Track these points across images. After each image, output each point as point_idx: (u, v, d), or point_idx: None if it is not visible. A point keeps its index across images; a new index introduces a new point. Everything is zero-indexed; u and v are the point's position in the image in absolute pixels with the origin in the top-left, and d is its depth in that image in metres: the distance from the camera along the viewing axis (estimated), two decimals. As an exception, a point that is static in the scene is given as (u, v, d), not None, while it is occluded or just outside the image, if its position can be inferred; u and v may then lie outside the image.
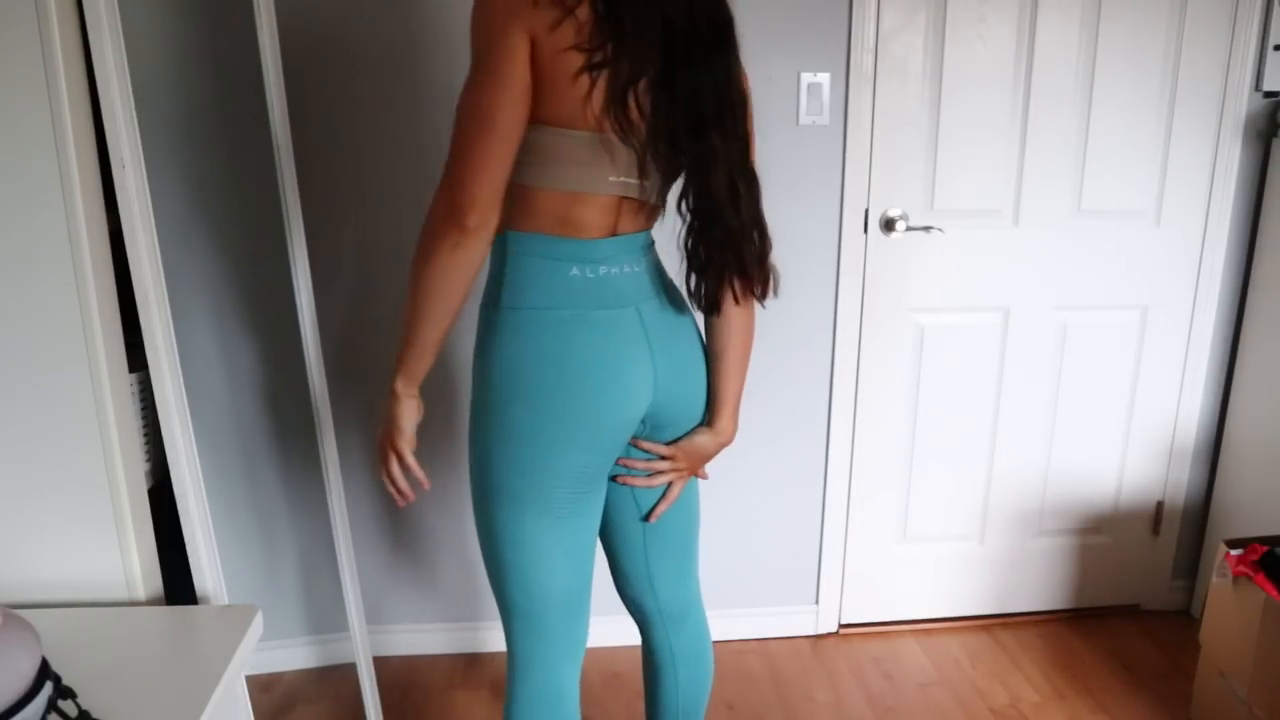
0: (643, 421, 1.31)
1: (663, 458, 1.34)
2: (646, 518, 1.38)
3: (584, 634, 1.36)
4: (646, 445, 1.33)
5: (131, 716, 0.94)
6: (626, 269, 1.24)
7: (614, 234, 1.23)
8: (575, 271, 1.20)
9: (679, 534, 1.43)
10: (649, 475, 1.34)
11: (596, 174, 1.18)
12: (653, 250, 1.32)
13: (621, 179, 1.19)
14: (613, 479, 1.34)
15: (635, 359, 1.23)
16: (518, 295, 1.21)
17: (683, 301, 1.32)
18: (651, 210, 1.28)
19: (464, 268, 1.15)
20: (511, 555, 1.28)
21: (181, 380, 1.33)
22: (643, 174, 1.20)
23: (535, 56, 1.11)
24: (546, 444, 1.21)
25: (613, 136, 1.15)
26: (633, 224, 1.26)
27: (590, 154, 1.16)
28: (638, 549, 1.42)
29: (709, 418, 1.35)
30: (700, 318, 1.33)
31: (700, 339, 1.34)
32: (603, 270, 1.21)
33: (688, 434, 1.34)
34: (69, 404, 1.13)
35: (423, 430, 1.30)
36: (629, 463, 1.33)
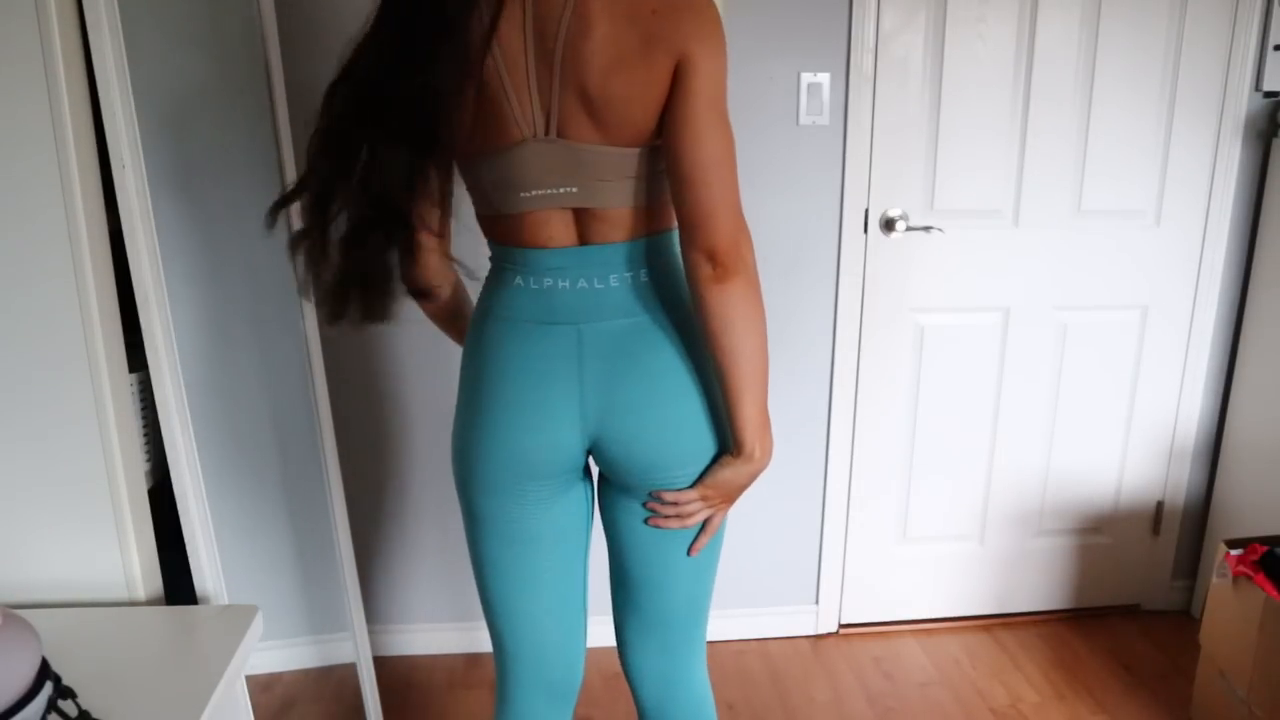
0: (592, 455, 1.21)
1: (693, 499, 1.21)
2: (689, 551, 1.25)
3: (567, 674, 1.31)
4: (670, 496, 1.20)
5: (131, 716, 0.94)
6: (581, 284, 1.14)
7: (580, 244, 1.15)
8: (519, 281, 1.16)
9: (652, 603, 1.29)
10: (680, 516, 1.21)
11: (506, 195, 1.12)
12: (650, 264, 1.17)
13: (535, 192, 1.11)
14: (645, 521, 1.23)
15: (556, 380, 1.14)
16: (481, 302, 1.23)
17: (675, 329, 1.17)
18: (646, 216, 1.15)
19: (431, 312, 1.32)
20: (477, 573, 1.28)
21: (181, 380, 1.33)
22: (581, 177, 1.10)
23: None
24: (472, 453, 1.19)
25: (517, 149, 1.09)
26: (603, 234, 1.14)
27: (495, 174, 1.12)
28: (614, 600, 1.35)
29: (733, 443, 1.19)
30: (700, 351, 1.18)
31: (689, 374, 1.17)
32: (547, 283, 1.14)
33: (710, 467, 1.19)
34: (69, 404, 1.13)
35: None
36: (656, 506, 1.21)
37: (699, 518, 1.21)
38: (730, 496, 1.21)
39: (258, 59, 1.61)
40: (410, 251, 1.16)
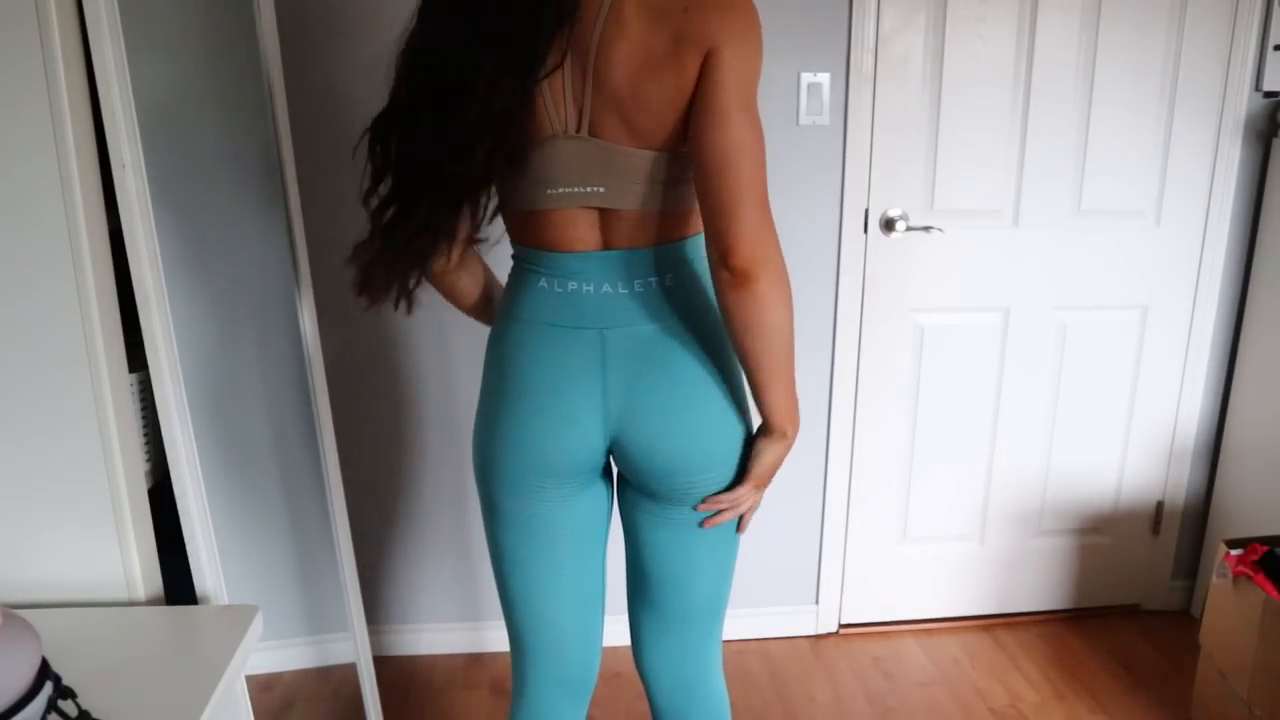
0: (612, 456, 1.21)
1: (746, 492, 1.22)
2: (738, 529, 1.26)
3: (583, 670, 1.32)
4: (725, 498, 1.20)
5: (131, 716, 0.94)
6: (605, 289, 1.14)
7: (604, 248, 1.14)
8: (543, 284, 1.17)
9: (671, 602, 1.29)
10: (735, 508, 1.23)
11: (533, 191, 1.12)
12: (674, 270, 1.16)
13: (562, 189, 1.11)
14: (700, 525, 1.23)
15: (578, 384, 1.15)
16: (504, 303, 1.24)
17: (697, 335, 1.17)
18: (671, 221, 1.15)
19: (448, 293, 1.30)
20: (495, 567, 1.30)
21: (181, 380, 1.33)
22: (605, 179, 1.11)
23: None
24: (493, 452, 1.21)
25: (547, 144, 1.10)
26: (629, 239, 1.14)
27: (528, 168, 1.12)
28: (630, 599, 1.35)
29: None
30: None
31: (711, 380, 1.18)
32: (570, 286, 1.15)
33: (749, 455, 1.21)
34: (69, 404, 1.13)
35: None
36: (709, 506, 1.21)
37: (744, 506, 1.23)
38: (764, 478, 1.23)
39: (257, 59, 1.61)
40: (450, 238, 1.18)
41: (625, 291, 1.15)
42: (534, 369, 1.17)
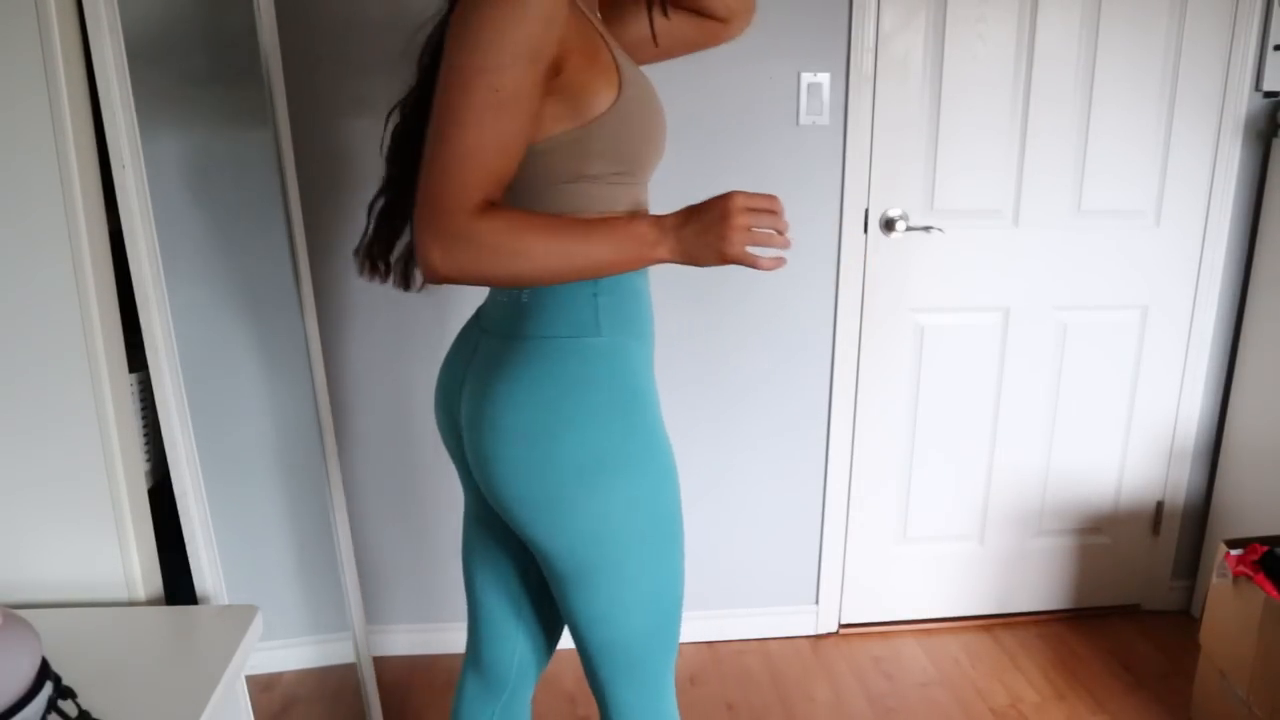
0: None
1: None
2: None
3: (492, 663, 1.32)
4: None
5: (131, 716, 0.94)
6: (493, 294, 1.15)
7: None
8: None
9: (575, 638, 1.18)
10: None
11: None
12: (534, 287, 1.06)
13: None
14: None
15: (451, 377, 1.19)
16: None
17: (536, 362, 1.06)
18: None
19: None
20: None
21: (181, 380, 1.33)
22: None
23: None
24: None
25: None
26: None
27: None
28: None
29: None
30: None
31: (530, 413, 1.05)
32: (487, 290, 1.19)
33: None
34: (69, 404, 1.13)
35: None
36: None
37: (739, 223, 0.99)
38: (711, 246, 0.99)
39: (258, 59, 1.61)
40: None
41: (502, 299, 1.12)
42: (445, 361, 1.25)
